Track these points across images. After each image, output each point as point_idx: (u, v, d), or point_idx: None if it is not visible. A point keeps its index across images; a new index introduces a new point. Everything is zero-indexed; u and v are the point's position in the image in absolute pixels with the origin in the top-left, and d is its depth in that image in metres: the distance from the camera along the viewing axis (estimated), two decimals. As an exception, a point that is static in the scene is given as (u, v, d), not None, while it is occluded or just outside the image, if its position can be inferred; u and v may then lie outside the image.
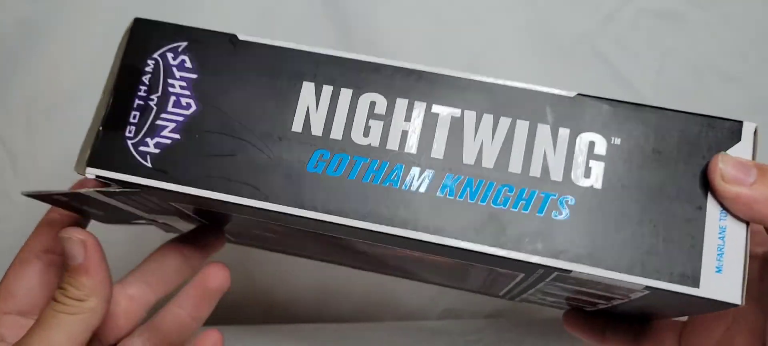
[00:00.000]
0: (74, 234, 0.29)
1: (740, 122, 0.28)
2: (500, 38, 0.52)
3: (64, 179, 0.52)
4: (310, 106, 0.29)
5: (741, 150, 0.27)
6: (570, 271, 0.27)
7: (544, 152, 0.28)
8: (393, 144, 0.28)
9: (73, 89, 0.52)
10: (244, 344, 0.51)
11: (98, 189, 0.29)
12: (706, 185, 0.27)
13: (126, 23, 0.32)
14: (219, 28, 0.30)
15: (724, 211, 0.27)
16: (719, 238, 0.26)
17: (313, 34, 0.53)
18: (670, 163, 0.27)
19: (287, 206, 0.28)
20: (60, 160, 0.52)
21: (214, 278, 0.33)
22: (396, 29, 0.52)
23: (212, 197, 0.28)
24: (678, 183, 0.27)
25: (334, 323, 0.54)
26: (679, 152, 0.27)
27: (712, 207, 0.27)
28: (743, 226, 0.26)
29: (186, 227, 0.37)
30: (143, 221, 0.37)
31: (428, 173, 0.28)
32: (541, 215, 0.27)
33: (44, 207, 0.42)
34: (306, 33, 0.53)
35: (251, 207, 0.28)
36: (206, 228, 0.36)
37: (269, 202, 0.28)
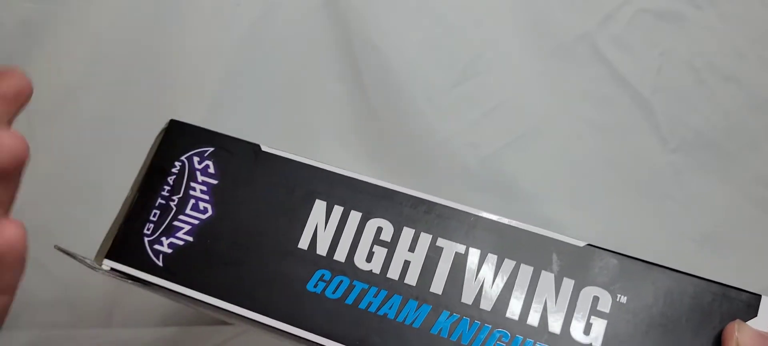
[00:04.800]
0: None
1: (759, 296, 0.26)
2: (500, 38, 0.52)
3: (63, 179, 0.52)
4: (319, 224, 0.29)
5: (757, 325, 0.25)
6: None
7: (545, 301, 0.27)
8: (394, 273, 0.28)
9: (74, 89, 0.52)
10: (245, 343, 0.51)
11: (113, 276, 0.30)
12: None
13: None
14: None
15: None
16: None
17: (313, 33, 0.53)
18: (677, 331, 0.26)
19: (282, 322, 0.28)
20: (60, 161, 0.52)
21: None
22: (396, 29, 0.52)
23: (212, 303, 0.29)
24: None
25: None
26: (689, 321, 0.26)
27: None
28: None
29: None
30: None
31: (424, 309, 0.27)
32: None
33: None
34: (306, 32, 0.53)
35: (247, 318, 0.28)
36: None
37: (265, 315, 0.28)
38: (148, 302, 0.54)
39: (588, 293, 0.27)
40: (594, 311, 0.26)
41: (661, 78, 0.52)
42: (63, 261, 0.53)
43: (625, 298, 0.26)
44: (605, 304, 0.27)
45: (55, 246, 0.30)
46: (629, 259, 0.27)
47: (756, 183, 0.53)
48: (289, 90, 0.54)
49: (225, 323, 0.54)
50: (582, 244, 0.28)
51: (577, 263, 0.27)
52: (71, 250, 0.30)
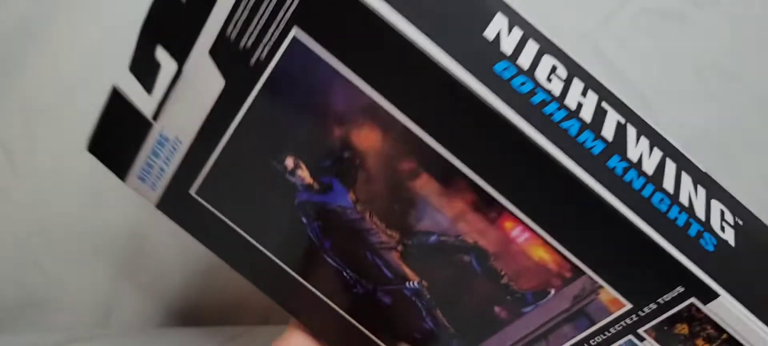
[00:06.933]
0: None
1: None
2: (500, 38, 0.52)
3: (63, 178, 0.52)
4: (503, 30, 0.27)
5: None
6: (718, 296, 0.26)
7: (689, 193, 0.28)
8: (571, 103, 0.27)
9: (72, 89, 0.52)
10: (245, 344, 0.51)
11: None
12: None
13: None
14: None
15: None
16: None
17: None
18: None
19: (470, 77, 0.25)
20: (59, 160, 0.52)
21: None
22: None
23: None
24: None
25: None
26: None
27: None
28: None
29: None
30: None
31: (600, 143, 0.26)
32: (692, 236, 0.26)
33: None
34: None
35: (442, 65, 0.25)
36: None
37: (452, 59, 0.25)
38: (147, 303, 0.54)
39: (716, 205, 0.28)
40: (724, 219, 0.28)
41: (662, 77, 0.52)
42: (62, 262, 0.53)
43: (742, 222, 0.29)
44: (730, 218, 0.28)
45: (112, 86, 0.30)
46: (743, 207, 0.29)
47: (756, 183, 0.53)
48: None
49: (225, 324, 0.54)
50: (703, 168, 0.29)
51: (708, 181, 0.29)
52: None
